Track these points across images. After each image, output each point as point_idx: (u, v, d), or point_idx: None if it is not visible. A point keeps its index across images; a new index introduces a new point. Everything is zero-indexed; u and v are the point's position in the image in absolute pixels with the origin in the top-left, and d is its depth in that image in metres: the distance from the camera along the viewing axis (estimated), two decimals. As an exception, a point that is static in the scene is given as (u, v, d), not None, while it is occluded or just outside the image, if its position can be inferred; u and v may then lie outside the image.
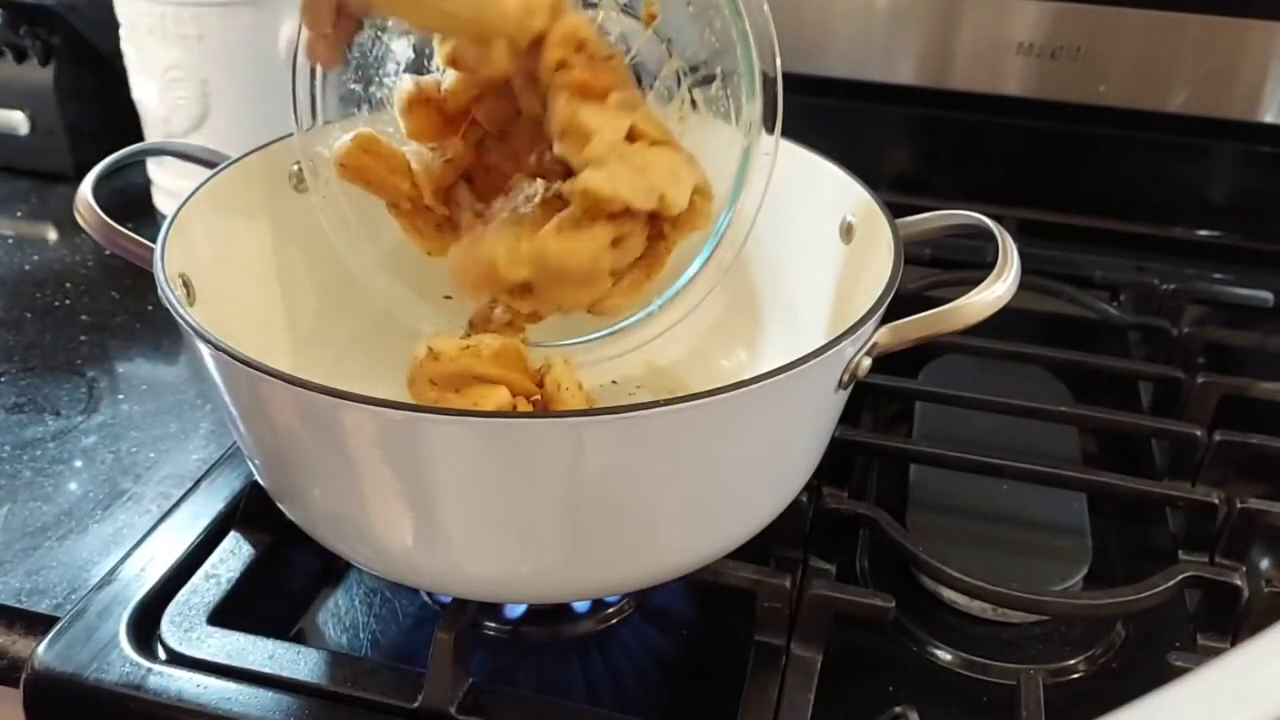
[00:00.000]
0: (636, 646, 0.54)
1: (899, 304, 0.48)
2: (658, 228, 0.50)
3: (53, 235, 0.85)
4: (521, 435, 0.40)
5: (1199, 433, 0.62)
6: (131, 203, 0.87)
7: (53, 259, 0.82)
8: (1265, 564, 0.58)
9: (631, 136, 0.46)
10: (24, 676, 0.48)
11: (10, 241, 0.84)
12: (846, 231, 0.56)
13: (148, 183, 0.87)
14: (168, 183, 0.85)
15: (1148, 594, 0.51)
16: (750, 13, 0.49)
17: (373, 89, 0.55)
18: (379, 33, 0.53)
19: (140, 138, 0.86)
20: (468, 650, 0.48)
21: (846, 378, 0.47)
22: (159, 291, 0.46)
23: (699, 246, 0.56)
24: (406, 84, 0.53)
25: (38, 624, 0.51)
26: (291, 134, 0.58)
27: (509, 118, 0.51)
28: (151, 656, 0.49)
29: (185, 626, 0.50)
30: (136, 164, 0.83)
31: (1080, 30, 0.77)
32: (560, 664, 0.52)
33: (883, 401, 0.67)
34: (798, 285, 0.61)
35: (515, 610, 0.53)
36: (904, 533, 0.55)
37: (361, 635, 0.53)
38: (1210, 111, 0.78)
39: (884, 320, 0.47)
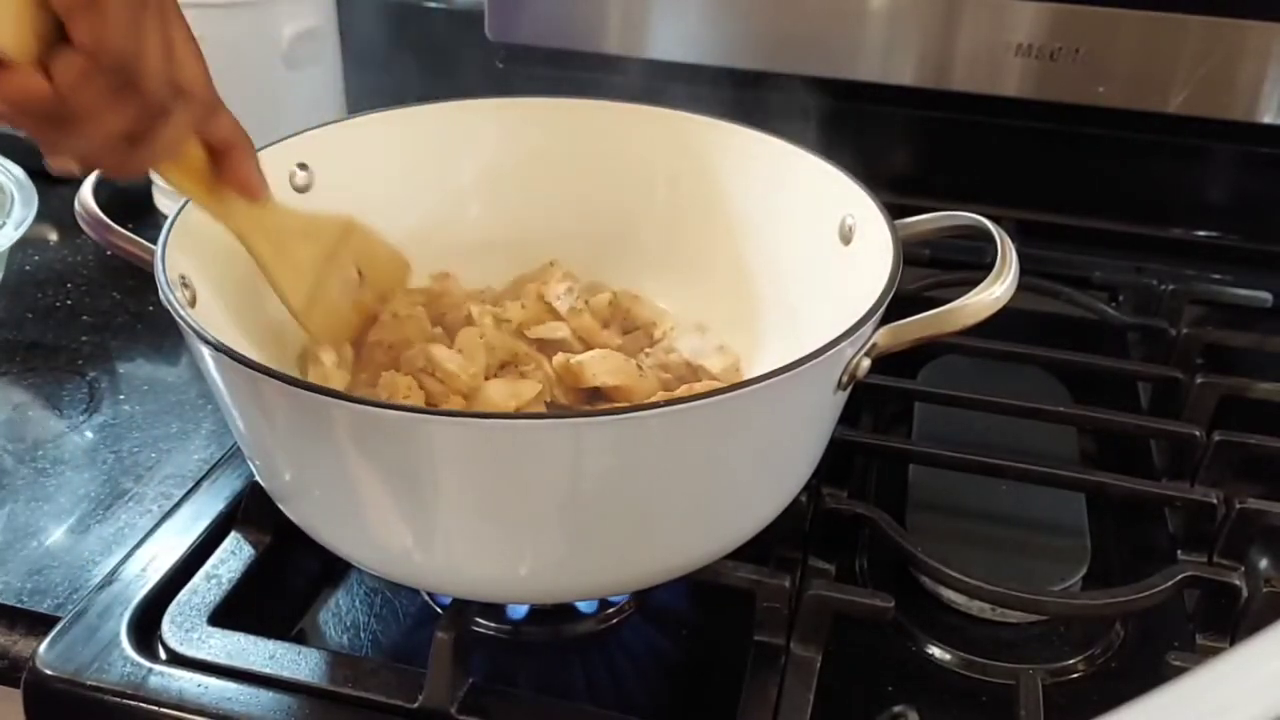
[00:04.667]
0: (636, 646, 0.54)
1: (898, 305, 0.48)
2: None
3: (54, 236, 0.85)
4: (521, 436, 0.41)
5: (1198, 433, 0.62)
6: (132, 204, 0.87)
7: (54, 259, 0.82)
8: (1264, 564, 0.58)
9: None
10: (25, 676, 0.48)
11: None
12: (846, 232, 0.56)
13: (148, 184, 0.87)
14: (168, 184, 0.85)
15: (1147, 594, 0.51)
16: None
17: None
18: None
19: (141, 138, 0.86)
20: (468, 650, 0.48)
21: (846, 378, 0.47)
22: (159, 292, 0.46)
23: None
24: None
25: (39, 624, 0.51)
26: (291, 135, 0.58)
27: None
28: (152, 657, 0.49)
29: (186, 627, 0.50)
30: (137, 165, 0.83)
31: (1079, 31, 0.77)
32: (560, 664, 0.52)
33: (882, 402, 0.67)
34: (797, 286, 0.61)
35: (518, 611, 0.54)
36: (903, 533, 0.55)
37: (362, 635, 0.53)
38: (1209, 112, 0.78)
39: (883, 321, 0.47)
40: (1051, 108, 0.81)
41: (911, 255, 0.52)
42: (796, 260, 0.61)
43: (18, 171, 0.74)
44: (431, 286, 0.63)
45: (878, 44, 0.81)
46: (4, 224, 0.71)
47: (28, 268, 0.80)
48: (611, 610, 0.54)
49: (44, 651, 0.49)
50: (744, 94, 0.81)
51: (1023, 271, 0.49)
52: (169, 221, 0.50)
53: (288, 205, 0.53)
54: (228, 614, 0.51)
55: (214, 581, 0.52)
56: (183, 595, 0.52)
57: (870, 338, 0.46)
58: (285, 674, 0.48)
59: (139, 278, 0.55)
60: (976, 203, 0.59)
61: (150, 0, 0.39)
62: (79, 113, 0.38)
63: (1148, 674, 0.52)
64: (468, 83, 0.79)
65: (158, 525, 0.56)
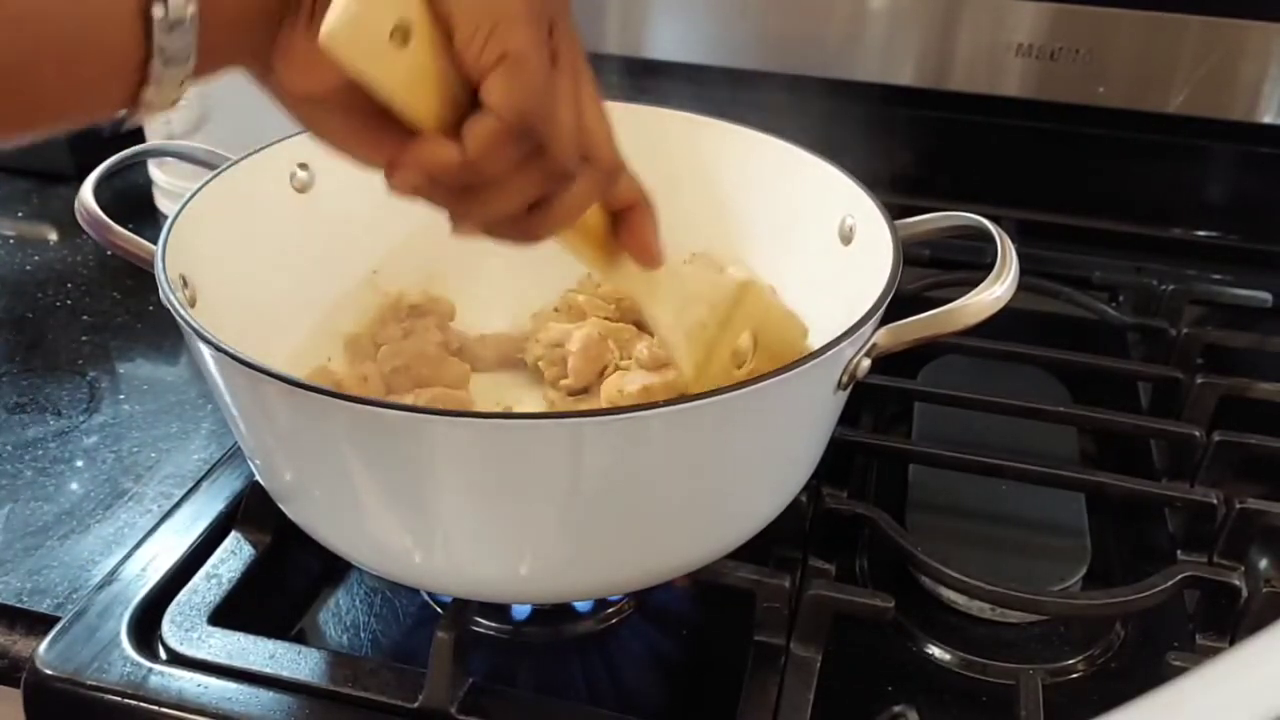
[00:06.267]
0: (636, 646, 0.54)
1: (898, 305, 0.48)
2: None
3: (54, 236, 0.85)
4: (522, 435, 0.41)
5: (1198, 433, 0.62)
6: (132, 204, 0.87)
7: (54, 259, 0.82)
8: (1264, 564, 0.59)
9: None
10: (25, 676, 0.48)
11: (11, 242, 0.84)
12: (846, 232, 0.57)
13: (149, 184, 0.88)
14: (169, 184, 0.85)
15: (1147, 594, 0.51)
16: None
17: None
18: None
19: (141, 139, 0.86)
20: (468, 650, 0.48)
21: (846, 378, 0.47)
22: (160, 292, 0.46)
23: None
24: None
25: (39, 624, 0.51)
26: (292, 135, 0.58)
27: None
28: (152, 656, 0.49)
29: (186, 626, 0.50)
30: (138, 165, 0.83)
31: (1079, 31, 0.77)
32: (560, 664, 0.52)
33: (882, 402, 0.67)
34: (797, 286, 0.61)
35: (521, 611, 0.54)
36: (903, 533, 0.55)
37: (362, 635, 0.53)
38: (1209, 112, 0.78)
39: (883, 321, 0.47)
40: (1051, 108, 0.81)
41: (911, 255, 0.52)
42: (797, 260, 0.61)
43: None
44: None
45: (878, 44, 0.81)
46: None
47: (28, 268, 0.80)
48: (611, 610, 0.54)
49: (44, 651, 0.49)
50: (744, 94, 0.81)
51: (1023, 271, 0.49)
52: (169, 221, 0.50)
53: (685, 268, 0.50)
54: (228, 614, 0.51)
55: (214, 581, 0.52)
56: (183, 595, 0.52)
57: (870, 337, 0.46)
58: (285, 674, 0.48)
59: (139, 278, 0.55)
60: (976, 203, 0.59)
61: (564, 62, 0.37)
62: (489, 180, 0.37)
63: (1148, 674, 0.52)
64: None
65: (158, 525, 0.56)
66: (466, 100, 0.36)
